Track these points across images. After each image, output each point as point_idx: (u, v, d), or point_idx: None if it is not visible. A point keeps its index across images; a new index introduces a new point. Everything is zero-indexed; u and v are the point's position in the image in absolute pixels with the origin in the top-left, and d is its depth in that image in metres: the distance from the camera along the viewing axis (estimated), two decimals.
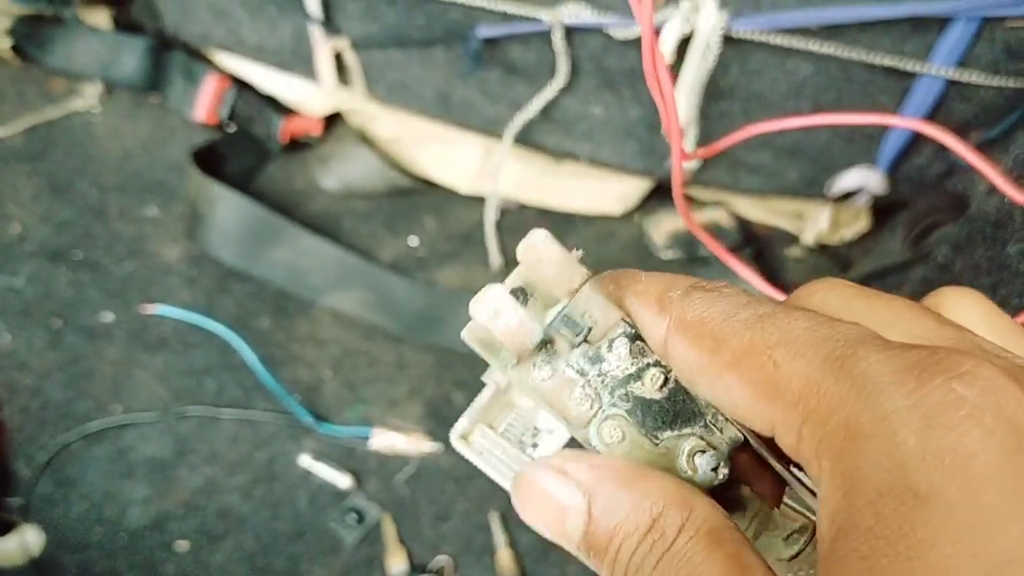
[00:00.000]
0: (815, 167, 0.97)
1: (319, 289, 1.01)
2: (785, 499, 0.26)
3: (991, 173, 0.52)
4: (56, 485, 0.89)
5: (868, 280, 0.93)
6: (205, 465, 0.91)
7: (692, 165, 0.98)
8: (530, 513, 0.24)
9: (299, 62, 1.05)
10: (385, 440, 0.92)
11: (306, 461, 0.91)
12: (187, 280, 1.02)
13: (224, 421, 0.93)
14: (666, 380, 0.25)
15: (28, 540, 0.85)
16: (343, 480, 0.90)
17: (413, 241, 1.08)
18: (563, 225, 1.09)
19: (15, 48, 1.11)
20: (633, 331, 0.25)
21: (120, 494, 0.89)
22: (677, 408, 0.25)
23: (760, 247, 1.08)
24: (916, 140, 0.90)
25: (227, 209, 1.01)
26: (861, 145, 0.93)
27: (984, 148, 0.80)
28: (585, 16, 0.85)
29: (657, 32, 0.83)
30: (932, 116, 0.86)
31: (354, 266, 1.01)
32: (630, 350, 0.25)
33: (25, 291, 0.99)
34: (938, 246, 0.79)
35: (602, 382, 0.25)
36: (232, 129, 1.11)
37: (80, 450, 0.91)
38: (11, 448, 0.90)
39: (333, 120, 1.13)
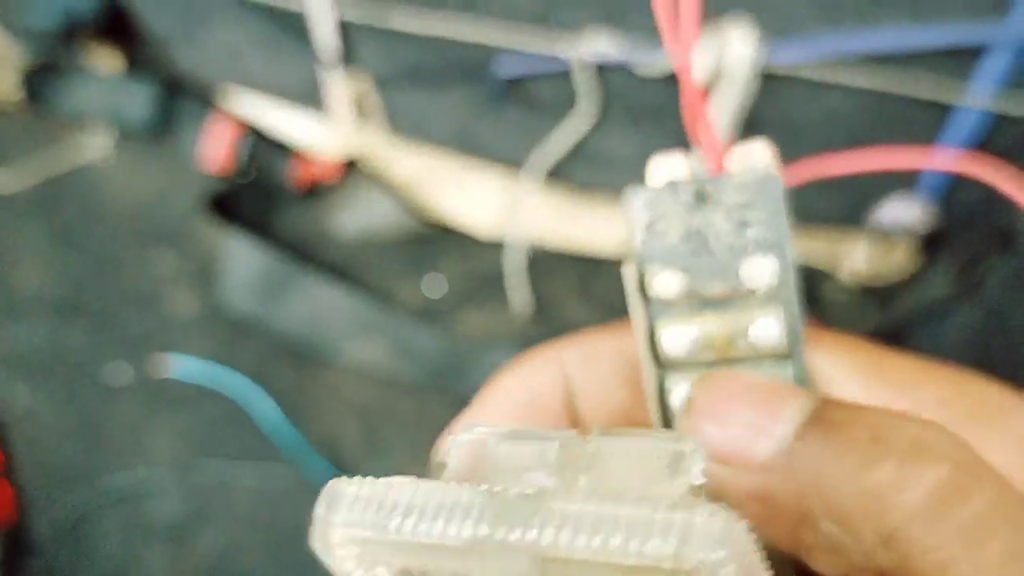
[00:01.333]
0: (850, 197, 0.95)
1: (338, 339, 0.99)
2: None
3: None
4: (76, 547, 0.88)
5: (911, 322, 0.90)
6: (226, 525, 0.89)
7: None
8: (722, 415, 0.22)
9: (314, 103, 1.04)
10: None
11: None
12: (204, 332, 0.99)
13: (245, 478, 0.91)
14: None
15: None
16: None
17: (433, 288, 1.05)
18: (590, 267, 1.07)
19: (28, 98, 1.10)
20: None
21: (141, 557, 0.87)
22: None
23: None
24: (960, 172, 0.88)
25: (243, 258, 0.99)
26: (901, 174, 0.90)
27: None
28: (609, 53, 0.82)
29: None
30: (975, 147, 0.83)
31: (374, 315, 0.99)
32: None
33: (40, 347, 0.98)
34: (984, 282, 0.76)
35: None
36: (247, 176, 1.09)
37: (99, 512, 0.89)
38: (32, 509, 0.89)
39: (350, 165, 1.11)
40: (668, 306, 0.26)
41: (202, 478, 0.91)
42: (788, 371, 0.25)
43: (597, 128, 0.92)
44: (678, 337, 0.25)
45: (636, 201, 0.26)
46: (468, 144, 1.02)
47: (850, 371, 0.25)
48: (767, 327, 0.25)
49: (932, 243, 0.98)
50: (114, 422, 0.94)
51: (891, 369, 0.25)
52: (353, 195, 1.09)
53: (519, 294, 1.03)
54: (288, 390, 0.96)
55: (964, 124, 0.82)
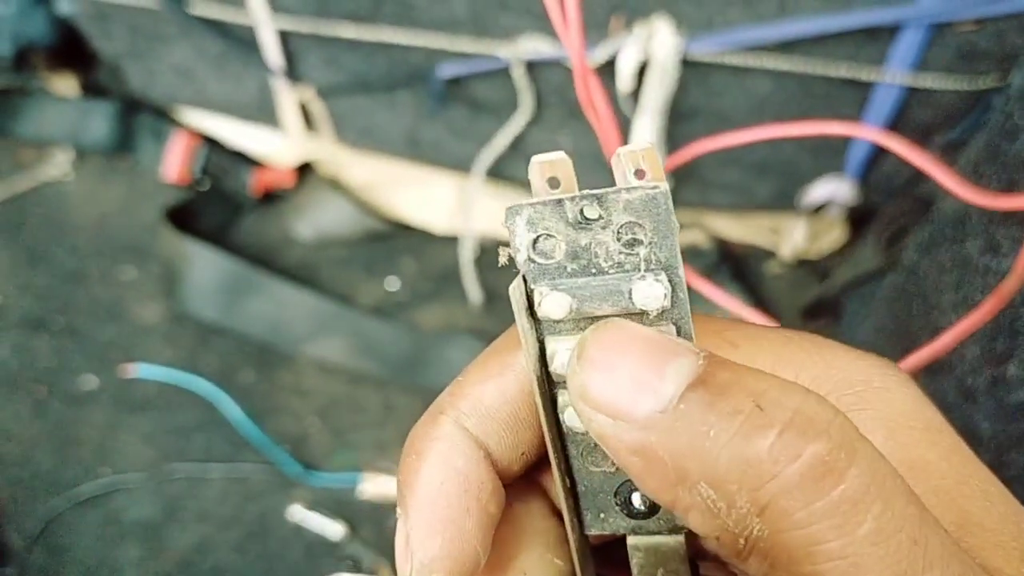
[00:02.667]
0: (784, 181, 0.98)
1: (301, 339, 1.01)
2: None
3: (943, 175, 0.53)
4: (49, 553, 0.89)
5: (845, 290, 0.94)
6: (196, 523, 0.91)
7: None
8: (606, 371, 0.21)
9: (266, 114, 1.06)
10: (376, 485, 0.92)
11: (298, 513, 0.90)
12: (168, 339, 1.02)
13: (213, 478, 0.93)
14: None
15: None
16: (336, 529, 0.89)
17: (392, 285, 1.08)
18: None
19: None
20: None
21: (114, 558, 0.89)
22: None
23: (738, 264, 1.09)
24: (881, 148, 0.91)
25: (203, 265, 1.02)
26: (827, 156, 0.94)
27: (947, 150, 0.81)
28: (543, 50, 0.86)
29: (613, 59, 0.84)
30: (895, 123, 0.87)
31: (334, 313, 1.01)
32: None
33: (9, 362, 1.00)
34: (906, 250, 0.79)
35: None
36: (204, 186, 1.12)
37: (71, 516, 0.91)
38: (2, 519, 0.90)
39: (304, 170, 1.13)
40: (557, 324, 0.24)
41: (171, 479, 0.93)
42: None
43: (536, 123, 0.95)
44: (569, 355, 0.24)
45: (519, 218, 0.24)
46: (417, 147, 1.04)
47: None
48: None
49: (861, 217, 1.02)
50: (83, 430, 0.96)
51: (757, 359, 0.25)
52: (309, 199, 1.11)
53: (473, 287, 1.06)
54: (253, 390, 0.98)
55: (884, 101, 0.86)
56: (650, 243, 0.23)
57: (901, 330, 0.74)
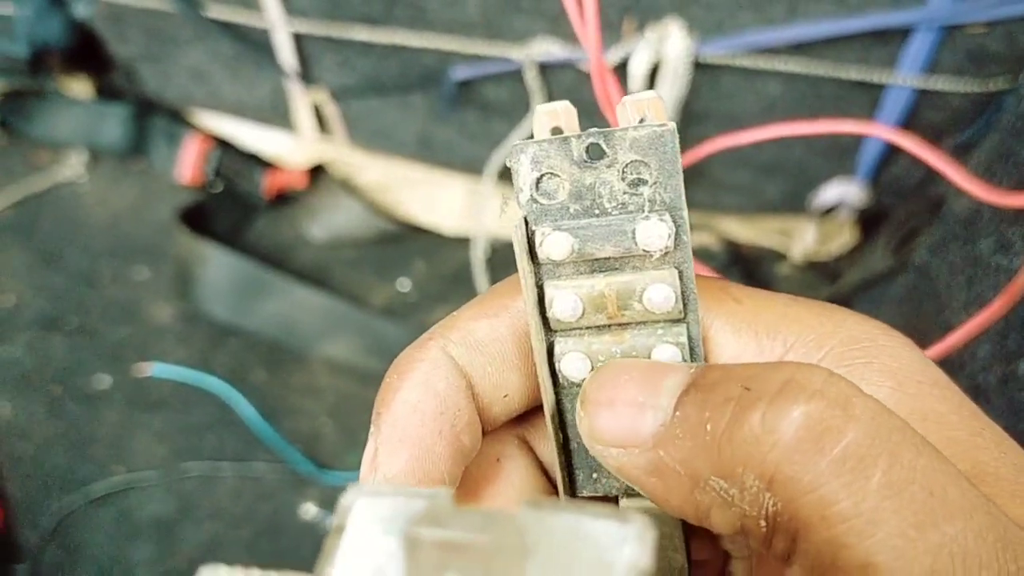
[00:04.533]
0: (795, 183, 0.98)
1: (312, 339, 1.02)
2: None
3: (954, 174, 0.53)
4: (63, 550, 0.89)
5: (856, 292, 0.94)
6: (209, 521, 0.91)
7: None
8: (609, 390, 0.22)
9: (279, 116, 1.07)
10: None
11: (310, 511, 0.91)
12: (181, 339, 1.02)
13: (226, 476, 0.94)
14: None
15: None
16: None
17: (403, 285, 1.08)
18: None
19: (2, 124, 1.13)
20: None
21: (126, 556, 0.89)
22: None
23: (749, 267, 1.09)
24: (892, 149, 0.91)
25: (217, 266, 1.02)
26: (838, 158, 0.94)
27: (959, 152, 0.81)
28: (555, 52, 0.86)
29: (626, 62, 0.84)
30: (906, 125, 0.87)
31: (346, 314, 1.02)
32: None
33: (23, 361, 1.00)
34: (917, 251, 0.79)
35: None
36: (218, 188, 1.13)
37: (85, 514, 0.91)
38: (16, 516, 0.91)
39: (317, 172, 1.14)
40: (558, 267, 0.24)
41: (184, 477, 0.93)
42: (682, 333, 0.24)
43: None
44: (568, 301, 0.24)
45: (523, 156, 0.23)
46: (429, 149, 1.05)
47: (722, 323, 0.25)
48: (662, 292, 0.24)
49: (871, 219, 1.02)
50: (97, 429, 0.96)
51: (762, 315, 0.25)
52: (321, 201, 1.12)
53: (484, 288, 1.06)
54: (266, 390, 0.99)
55: (895, 103, 0.86)
56: (655, 183, 0.23)
57: (912, 330, 0.73)
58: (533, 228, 0.24)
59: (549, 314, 0.24)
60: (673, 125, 0.23)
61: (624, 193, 0.23)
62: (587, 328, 0.25)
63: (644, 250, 0.23)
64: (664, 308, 0.24)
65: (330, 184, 1.12)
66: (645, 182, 0.23)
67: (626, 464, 0.21)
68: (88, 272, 1.07)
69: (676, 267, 0.24)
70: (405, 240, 1.11)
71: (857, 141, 0.91)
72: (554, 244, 0.24)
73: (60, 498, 0.92)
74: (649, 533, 0.16)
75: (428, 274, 1.09)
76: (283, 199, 1.14)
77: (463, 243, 1.08)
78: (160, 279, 1.07)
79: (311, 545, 0.89)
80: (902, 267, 0.86)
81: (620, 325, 0.24)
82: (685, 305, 0.24)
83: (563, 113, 0.24)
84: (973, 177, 0.56)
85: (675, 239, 0.23)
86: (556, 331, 0.25)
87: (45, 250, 1.09)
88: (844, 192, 0.96)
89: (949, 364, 0.60)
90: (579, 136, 0.23)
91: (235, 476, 0.93)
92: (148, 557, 0.89)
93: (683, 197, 0.23)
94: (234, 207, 1.12)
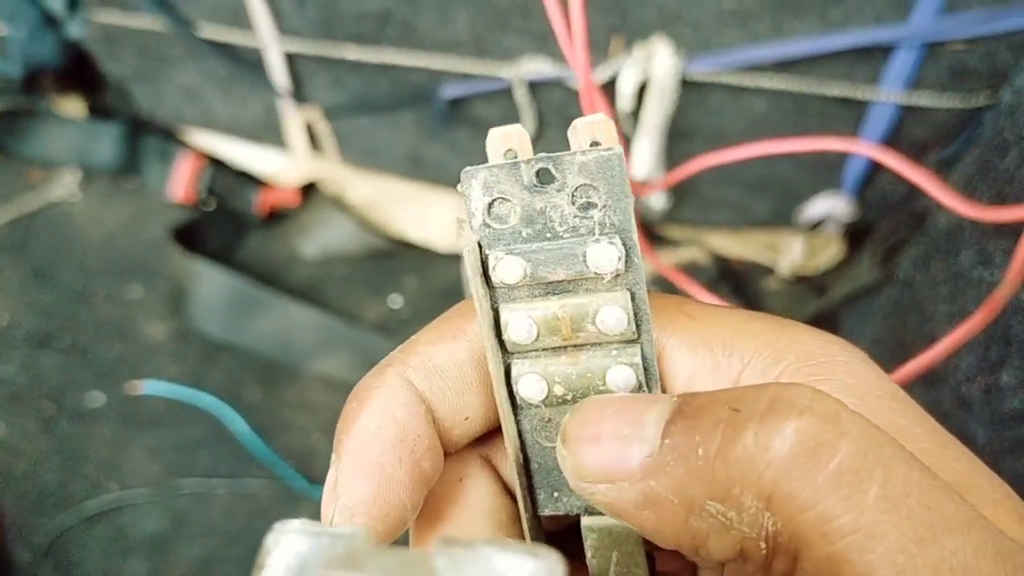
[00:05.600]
0: (781, 198, 0.99)
1: (306, 355, 1.02)
2: None
3: (935, 189, 0.54)
4: (56, 568, 0.90)
5: (843, 305, 0.95)
6: (203, 538, 0.91)
7: (664, 205, 1.00)
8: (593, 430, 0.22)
9: (272, 135, 1.08)
10: None
11: None
12: (174, 356, 1.03)
13: (219, 493, 0.94)
14: None
15: None
16: None
17: (395, 302, 1.09)
18: None
19: None
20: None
21: (120, 573, 0.89)
22: None
23: (737, 281, 1.10)
24: (877, 164, 0.92)
25: (210, 284, 1.03)
26: (824, 174, 0.95)
27: (942, 167, 0.82)
28: (544, 71, 0.87)
29: (614, 80, 0.85)
30: (890, 140, 0.88)
31: (339, 330, 1.02)
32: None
33: (16, 379, 1.01)
34: (901, 264, 0.81)
35: None
36: (210, 205, 1.13)
37: (79, 532, 0.91)
38: (10, 534, 0.91)
39: (309, 189, 1.15)
40: (512, 291, 0.24)
41: (178, 494, 0.94)
42: (636, 354, 0.24)
43: (537, 142, 0.97)
44: (523, 324, 0.24)
45: (474, 181, 0.24)
46: (420, 166, 1.06)
47: (677, 340, 0.25)
48: (615, 314, 0.24)
49: (857, 233, 1.03)
50: (91, 447, 0.97)
51: (717, 331, 0.25)
52: (313, 219, 1.13)
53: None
54: (259, 406, 0.99)
55: (879, 119, 0.87)
56: (604, 206, 0.23)
57: (898, 342, 0.75)
58: (486, 252, 0.24)
59: (505, 337, 0.25)
60: (620, 150, 0.23)
61: (575, 217, 0.24)
62: (543, 350, 0.25)
63: (595, 273, 0.24)
64: (617, 329, 0.24)
65: (322, 201, 1.13)
66: (595, 205, 0.23)
67: (615, 499, 0.21)
68: (81, 290, 1.08)
69: (628, 288, 0.24)
70: (397, 257, 1.12)
71: (842, 156, 0.93)
72: (507, 268, 0.24)
73: (53, 516, 0.92)
74: (559, 568, 0.16)
75: (420, 290, 1.10)
76: (275, 216, 1.15)
77: (455, 259, 1.09)
78: (153, 297, 1.07)
79: None
80: (888, 280, 0.87)
81: (575, 346, 0.25)
82: (639, 326, 0.24)
83: (516, 136, 0.25)
84: (954, 192, 0.57)
85: (626, 261, 0.24)
86: (512, 353, 0.25)
87: (38, 268, 1.09)
88: (830, 207, 0.97)
89: (933, 375, 0.61)
90: (528, 161, 0.24)
91: (229, 493, 0.94)
92: (142, 574, 0.89)
93: (632, 220, 0.23)
94: (227, 225, 1.13)
